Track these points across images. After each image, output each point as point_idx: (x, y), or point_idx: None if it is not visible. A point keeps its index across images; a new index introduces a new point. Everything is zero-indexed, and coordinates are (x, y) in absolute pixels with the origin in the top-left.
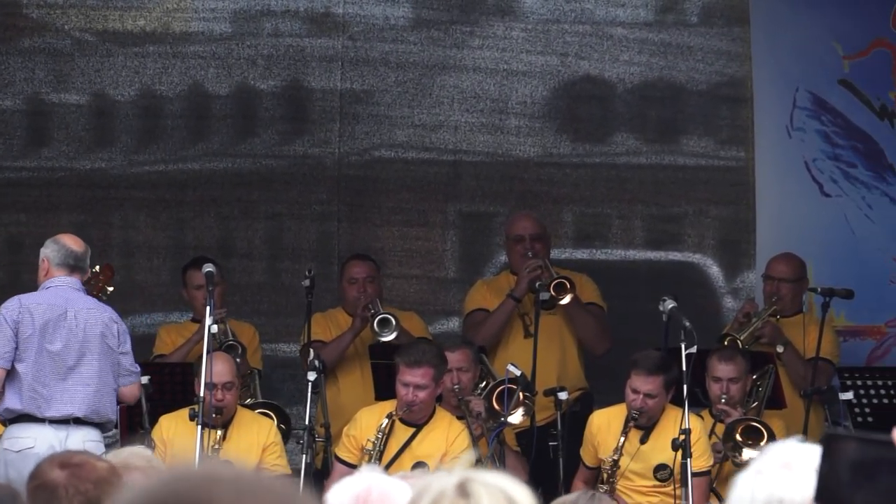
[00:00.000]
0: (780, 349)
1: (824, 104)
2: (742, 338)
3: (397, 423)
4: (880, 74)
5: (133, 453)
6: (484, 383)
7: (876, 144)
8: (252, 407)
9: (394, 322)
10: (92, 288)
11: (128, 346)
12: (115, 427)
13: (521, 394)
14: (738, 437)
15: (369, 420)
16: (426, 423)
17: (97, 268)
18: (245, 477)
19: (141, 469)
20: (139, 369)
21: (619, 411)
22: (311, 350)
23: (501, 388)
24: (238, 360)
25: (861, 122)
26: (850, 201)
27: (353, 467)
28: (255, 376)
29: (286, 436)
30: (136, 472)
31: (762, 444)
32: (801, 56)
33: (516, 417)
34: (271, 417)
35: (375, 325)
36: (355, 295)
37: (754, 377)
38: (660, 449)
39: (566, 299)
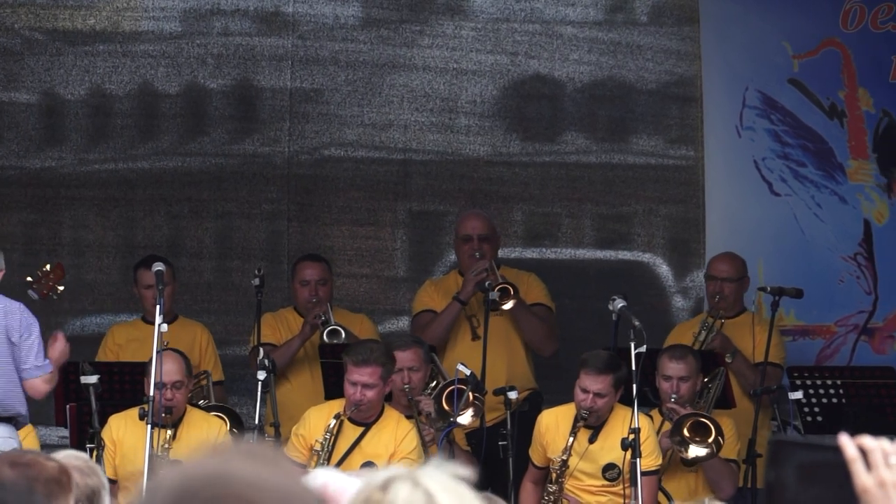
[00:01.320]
0: (728, 359)
1: (774, 103)
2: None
3: (346, 422)
4: (830, 74)
5: (69, 455)
6: (434, 383)
7: (825, 143)
8: (205, 409)
9: (343, 334)
10: (42, 287)
11: (33, 339)
12: (65, 426)
13: (470, 394)
14: (685, 432)
15: (318, 420)
16: (375, 422)
17: (48, 266)
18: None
19: (79, 469)
20: (47, 363)
21: (567, 411)
22: (261, 349)
23: (451, 388)
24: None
25: (811, 121)
26: (799, 200)
27: (302, 467)
28: (208, 377)
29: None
30: (75, 472)
31: (710, 440)
32: (750, 55)
33: (466, 418)
34: (224, 420)
35: (325, 335)
36: (307, 297)
37: (705, 379)
38: (609, 448)
39: (508, 305)
